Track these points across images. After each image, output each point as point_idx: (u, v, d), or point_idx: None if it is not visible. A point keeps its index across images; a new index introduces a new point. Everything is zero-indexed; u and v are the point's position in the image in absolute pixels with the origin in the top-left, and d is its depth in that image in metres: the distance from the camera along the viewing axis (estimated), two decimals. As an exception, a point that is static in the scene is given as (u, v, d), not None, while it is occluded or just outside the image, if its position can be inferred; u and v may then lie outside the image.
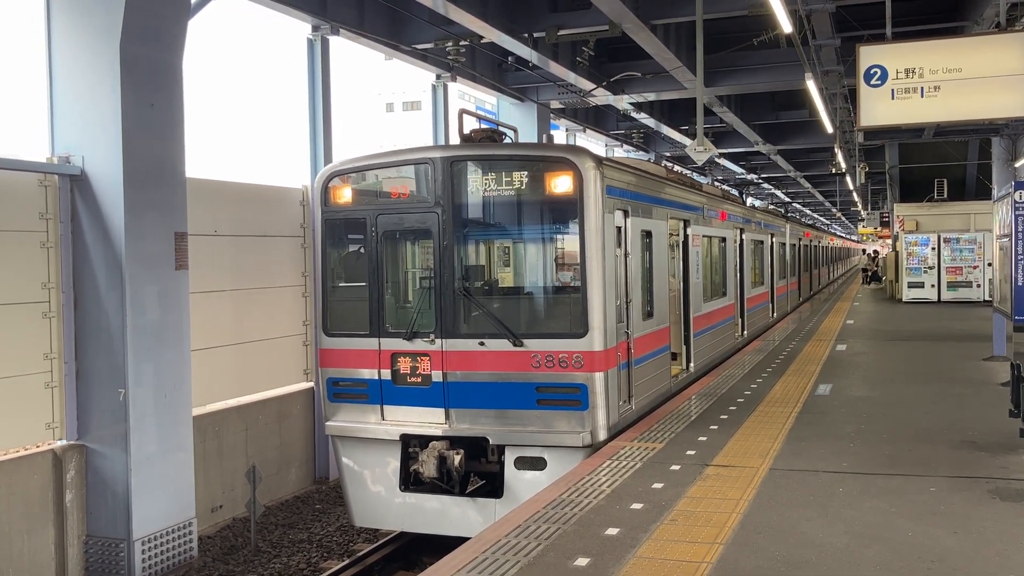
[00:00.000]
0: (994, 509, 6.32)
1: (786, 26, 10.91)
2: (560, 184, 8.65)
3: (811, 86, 15.20)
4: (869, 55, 9.00)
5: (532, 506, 6.61)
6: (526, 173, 8.76)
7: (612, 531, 5.93)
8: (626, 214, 9.53)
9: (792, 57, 15.62)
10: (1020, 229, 11.37)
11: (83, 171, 8.85)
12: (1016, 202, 11.41)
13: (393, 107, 79.88)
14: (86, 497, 8.96)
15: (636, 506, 6.50)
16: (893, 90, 8.97)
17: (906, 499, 6.58)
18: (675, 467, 7.63)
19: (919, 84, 8.86)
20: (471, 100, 57.03)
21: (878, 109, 9.04)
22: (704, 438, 8.73)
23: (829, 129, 20.56)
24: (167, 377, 9.22)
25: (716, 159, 32.20)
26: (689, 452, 8.16)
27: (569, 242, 8.96)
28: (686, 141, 25.17)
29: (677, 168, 20.93)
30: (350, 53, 61.03)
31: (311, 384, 12.76)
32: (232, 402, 11.49)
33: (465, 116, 9.65)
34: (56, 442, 8.90)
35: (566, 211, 8.79)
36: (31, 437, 8.72)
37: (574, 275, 8.84)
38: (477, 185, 8.91)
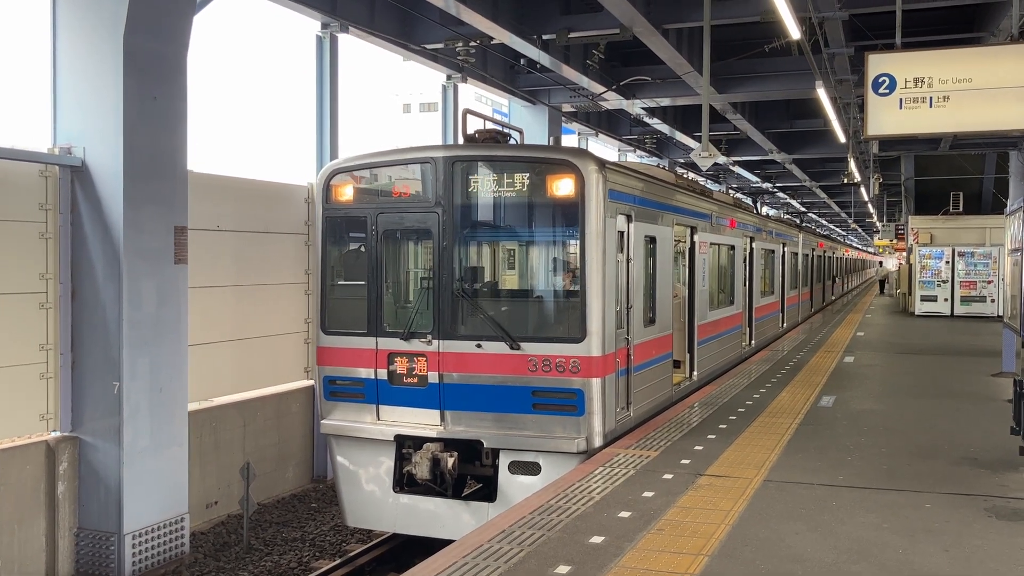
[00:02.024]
0: (989, 527, 6.19)
1: (794, 33, 10.81)
2: (562, 187, 8.57)
3: (822, 94, 15.08)
4: (878, 63, 8.87)
5: (519, 511, 6.53)
6: (528, 175, 8.69)
7: (597, 539, 5.85)
8: (629, 219, 9.44)
9: (805, 65, 15.50)
10: (1030, 244, 11.21)
11: (84, 162, 8.83)
12: (1027, 216, 11.25)
13: (410, 108, 79.99)
14: (78, 489, 8.93)
15: (624, 514, 6.41)
16: (901, 99, 8.82)
17: (900, 515, 6.46)
18: (668, 476, 7.53)
19: (928, 94, 8.72)
20: (487, 102, 56.98)
21: (886, 118, 8.89)
22: (700, 447, 8.63)
23: (842, 138, 20.42)
24: (163, 371, 9.18)
25: (730, 167, 32.06)
26: (684, 461, 8.06)
27: (569, 246, 8.90)
28: (697, 147, 25.03)
29: (690, 175, 20.81)
30: (367, 53, 61.17)
31: (311, 382, 12.72)
32: (231, 398, 11.46)
33: (470, 116, 9.59)
34: (49, 433, 8.87)
35: (567, 214, 8.71)
36: (24, 428, 8.69)
37: (574, 279, 8.76)
38: (478, 186, 8.84)
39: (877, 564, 5.44)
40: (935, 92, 8.74)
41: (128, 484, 8.79)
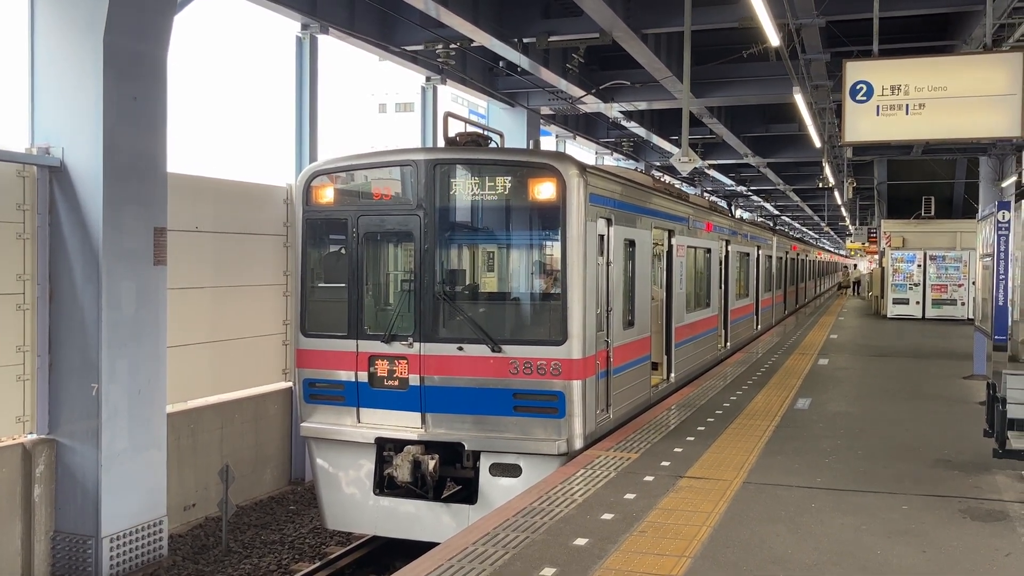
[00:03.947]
0: (964, 528, 6.30)
1: (773, 39, 10.94)
2: (543, 190, 8.60)
3: (799, 100, 15.24)
4: (855, 71, 9.02)
5: (502, 514, 6.56)
6: (509, 178, 8.71)
7: (581, 541, 5.89)
8: (609, 222, 9.50)
9: (782, 70, 15.66)
10: (1002, 248, 11.42)
11: (63, 163, 8.75)
12: (999, 222, 11.46)
13: (386, 108, 79.80)
14: (55, 492, 8.85)
15: (607, 516, 6.45)
16: (878, 106, 8.98)
17: (878, 516, 6.56)
18: (649, 478, 7.59)
19: (904, 101, 8.88)
20: (464, 104, 56.94)
21: (863, 125, 9.05)
22: (680, 449, 8.70)
23: (817, 143, 20.63)
24: (141, 373, 9.12)
25: (705, 170, 32.27)
26: (664, 463, 8.13)
27: (550, 249, 8.93)
28: (675, 151, 25.19)
29: (666, 178, 20.97)
30: (343, 53, 61.02)
31: (289, 384, 12.68)
32: (208, 400, 11.40)
33: (451, 119, 9.61)
34: (26, 436, 8.79)
35: (548, 218, 8.74)
36: (1, 430, 8.61)
37: (555, 282, 8.80)
38: (460, 189, 8.86)
39: (857, 565, 5.52)
40: (911, 100, 8.90)
41: (106, 487, 8.73)
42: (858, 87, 8.98)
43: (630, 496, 7.00)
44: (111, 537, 8.77)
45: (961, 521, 6.49)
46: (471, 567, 5.42)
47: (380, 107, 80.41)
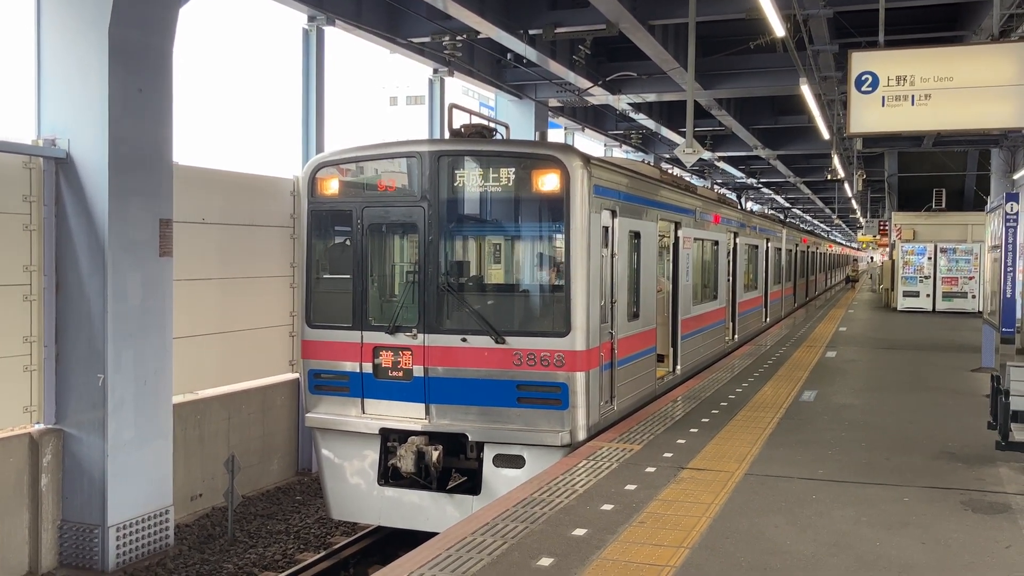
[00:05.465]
0: (965, 521, 6.29)
1: (779, 30, 10.90)
2: (547, 182, 8.61)
3: (806, 91, 15.17)
4: (861, 61, 8.97)
5: (502, 504, 6.58)
6: (513, 170, 8.72)
7: (579, 532, 5.91)
8: (614, 214, 9.49)
9: (790, 62, 15.61)
10: (1010, 241, 11.36)
11: (68, 154, 8.81)
12: (1007, 214, 11.40)
13: (396, 101, 79.77)
14: (62, 482, 8.92)
15: (606, 507, 6.47)
16: (884, 97, 8.94)
17: (878, 508, 6.55)
18: (650, 469, 7.60)
19: (910, 92, 8.83)
20: (474, 96, 56.85)
21: (868, 116, 9.01)
22: (683, 441, 8.71)
23: (825, 135, 20.55)
24: (148, 364, 9.18)
25: (715, 163, 32.19)
26: (666, 454, 8.14)
27: (554, 240, 8.94)
28: (682, 142, 25.12)
29: (675, 170, 20.92)
30: (355, 46, 61.01)
31: (296, 375, 12.73)
32: (215, 391, 11.46)
33: (456, 111, 9.61)
34: (33, 426, 8.86)
35: (552, 209, 8.75)
36: (8, 420, 8.68)
37: (558, 274, 8.81)
38: (464, 180, 8.88)
39: (854, 556, 5.52)
40: (917, 90, 8.85)
41: (112, 477, 8.79)
42: (863, 78, 8.94)
43: (631, 487, 7.01)
44: (118, 526, 8.84)
45: (962, 513, 6.48)
46: (468, 556, 5.44)
47: (391, 100, 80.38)
